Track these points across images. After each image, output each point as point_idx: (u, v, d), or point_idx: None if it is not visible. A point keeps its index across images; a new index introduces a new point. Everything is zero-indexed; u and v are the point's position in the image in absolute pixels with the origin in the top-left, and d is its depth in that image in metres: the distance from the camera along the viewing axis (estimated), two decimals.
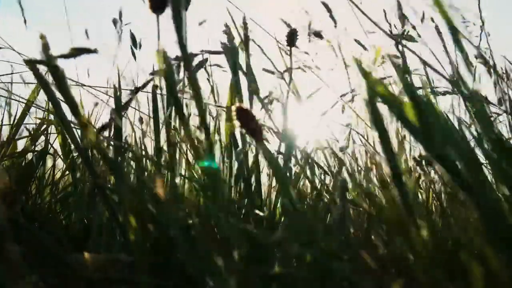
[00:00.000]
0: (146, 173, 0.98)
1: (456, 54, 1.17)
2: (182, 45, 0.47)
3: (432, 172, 1.15)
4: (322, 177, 1.02)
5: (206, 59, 1.06)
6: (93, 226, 0.77)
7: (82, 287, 0.55)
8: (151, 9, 0.52)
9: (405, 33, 1.17)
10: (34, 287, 0.43)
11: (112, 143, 0.85)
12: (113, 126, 0.82)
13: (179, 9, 0.46)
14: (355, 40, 1.10)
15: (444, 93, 1.22)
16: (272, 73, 0.92)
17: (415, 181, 1.13)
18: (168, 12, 0.51)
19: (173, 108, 0.84)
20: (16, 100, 1.15)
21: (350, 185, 0.95)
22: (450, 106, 1.27)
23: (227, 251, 0.50)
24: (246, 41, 0.86)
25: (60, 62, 0.55)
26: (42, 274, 0.61)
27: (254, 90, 0.84)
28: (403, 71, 0.44)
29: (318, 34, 1.10)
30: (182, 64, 0.90)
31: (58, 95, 0.68)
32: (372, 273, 0.53)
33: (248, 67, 0.87)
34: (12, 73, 1.21)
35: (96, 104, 1.36)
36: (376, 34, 1.17)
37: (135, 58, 1.25)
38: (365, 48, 1.15)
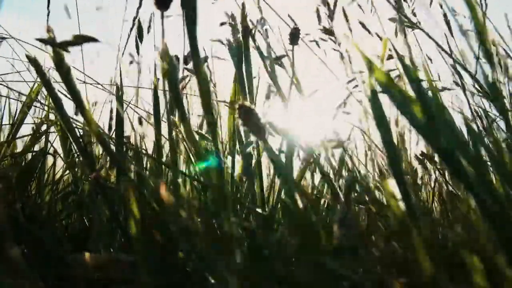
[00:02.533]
0: (146, 172, 0.98)
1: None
2: (193, 40, 0.47)
3: (432, 170, 1.15)
4: (323, 175, 1.02)
5: (207, 57, 1.06)
6: (93, 226, 0.77)
7: (82, 287, 0.55)
8: (156, 5, 0.51)
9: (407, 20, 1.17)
10: (34, 287, 0.42)
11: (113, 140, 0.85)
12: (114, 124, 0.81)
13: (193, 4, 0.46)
14: (360, 23, 1.09)
15: (443, 89, 1.22)
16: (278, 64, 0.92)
17: (416, 178, 1.13)
18: (172, 9, 0.51)
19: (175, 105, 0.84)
20: (15, 99, 1.14)
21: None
22: (450, 101, 1.26)
23: (228, 251, 0.50)
24: (245, 33, 0.86)
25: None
26: (42, 274, 0.61)
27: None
28: (410, 64, 0.44)
29: (329, 31, 1.10)
30: (183, 61, 0.90)
31: (58, 94, 0.68)
32: (373, 273, 0.53)
33: (248, 60, 0.87)
34: (12, 72, 1.20)
35: (95, 103, 1.35)
36: (379, 27, 1.17)
37: (138, 52, 1.25)
38: (369, 32, 1.15)
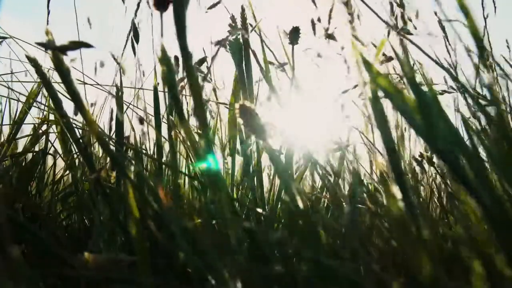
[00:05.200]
0: (147, 172, 0.98)
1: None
2: (183, 42, 0.47)
3: (432, 170, 1.15)
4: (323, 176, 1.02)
5: (205, 57, 1.06)
6: (94, 226, 0.77)
7: (82, 287, 0.55)
8: (155, 6, 0.52)
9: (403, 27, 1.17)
10: (34, 287, 0.42)
11: (113, 140, 0.85)
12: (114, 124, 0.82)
13: (181, 6, 0.46)
14: (353, 36, 1.10)
15: (443, 92, 1.22)
16: (274, 64, 0.92)
17: (416, 179, 1.13)
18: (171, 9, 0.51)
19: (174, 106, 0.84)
20: (15, 99, 1.14)
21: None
22: (448, 103, 1.26)
23: (229, 251, 0.50)
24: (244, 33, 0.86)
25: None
26: (42, 274, 0.61)
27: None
28: (407, 65, 0.44)
29: (331, 36, 1.10)
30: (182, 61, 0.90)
31: (59, 94, 0.68)
32: (373, 272, 0.53)
33: (248, 62, 0.87)
34: (12, 72, 1.20)
35: (93, 104, 1.35)
36: (376, 30, 1.18)
37: (135, 53, 1.25)
38: (363, 45, 1.15)
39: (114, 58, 1.25)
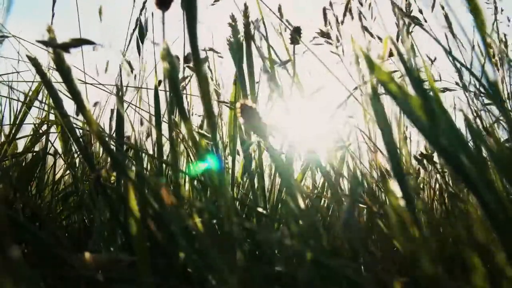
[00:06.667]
0: (147, 172, 0.98)
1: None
2: (193, 39, 0.47)
3: (433, 171, 1.14)
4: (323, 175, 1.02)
5: (207, 57, 1.06)
6: (94, 226, 0.77)
7: (82, 287, 0.55)
8: (157, 5, 0.51)
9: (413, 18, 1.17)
10: (34, 287, 0.42)
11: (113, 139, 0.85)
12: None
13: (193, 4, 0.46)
14: (363, 27, 1.09)
15: (444, 90, 1.22)
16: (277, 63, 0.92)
17: (416, 178, 1.13)
18: (173, 9, 0.51)
19: (176, 105, 0.84)
20: (16, 99, 1.14)
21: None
22: (452, 102, 1.26)
23: (229, 250, 0.49)
24: (247, 31, 0.86)
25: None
26: (42, 274, 0.61)
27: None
28: (411, 64, 0.44)
29: (326, 34, 1.10)
30: (184, 60, 0.90)
31: (59, 94, 0.68)
32: (373, 272, 0.53)
33: (250, 60, 0.87)
34: (13, 72, 1.20)
35: (96, 104, 1.35)
36: (382, 27, 1.17)
37: (139, 53, 1.25)
38: (372, 36, 1.15)
39: (128, 64, 1.25)
